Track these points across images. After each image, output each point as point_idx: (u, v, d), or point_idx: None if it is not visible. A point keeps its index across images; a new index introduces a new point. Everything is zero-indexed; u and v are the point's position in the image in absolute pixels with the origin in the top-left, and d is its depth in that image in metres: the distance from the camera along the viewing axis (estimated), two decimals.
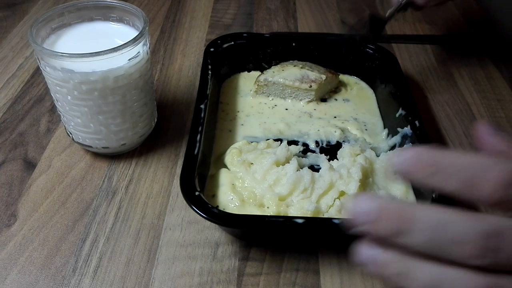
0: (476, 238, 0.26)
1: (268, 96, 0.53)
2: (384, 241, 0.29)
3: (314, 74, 0.51)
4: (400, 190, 0.41)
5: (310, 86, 0.51)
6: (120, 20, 0.44)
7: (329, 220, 0.35)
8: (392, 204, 0.28)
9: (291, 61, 0.54)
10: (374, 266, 0.29)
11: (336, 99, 0.54)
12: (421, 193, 0.41)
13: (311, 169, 0.41)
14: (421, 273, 0.28)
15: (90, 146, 0.44)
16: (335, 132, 0.48)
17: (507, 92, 0.58)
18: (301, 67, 0.52)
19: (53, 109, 0.52)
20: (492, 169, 0.27)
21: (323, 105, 0.53)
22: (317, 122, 0.50)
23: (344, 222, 0.29)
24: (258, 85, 0.52)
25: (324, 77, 0.51)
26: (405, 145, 0.44)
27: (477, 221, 0.27)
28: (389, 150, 0.46)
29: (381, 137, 0.48)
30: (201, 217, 0.34)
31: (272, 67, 0.54)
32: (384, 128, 0.49)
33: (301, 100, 0.52)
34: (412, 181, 0.29)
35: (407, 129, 0.44)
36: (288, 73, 0.51)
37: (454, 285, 0.27)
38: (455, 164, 0.28)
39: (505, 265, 0.26)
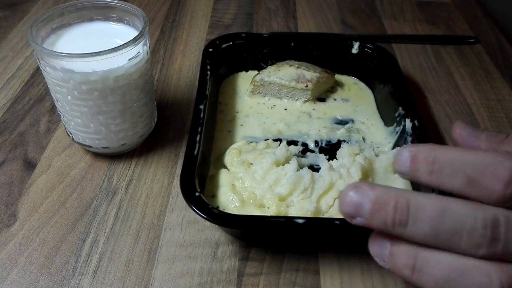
0: (476, 228, 0.25)
1: (265, 96, 0.53)
2: (389, 233, 0.27)
3: (310, 74, 0.51)
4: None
5: (306, 86, 0.51)
6: (120, 20, 0.44)
7: (330, 220, 0.35)
8: (386, 194, 0.26)
9: (287, 61, 0.54)
10: (382, 261, 0.28)
11: (335, 99, 0.54)
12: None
13: (311, 169, 0.41)
14: (436, 265, 0.26)
15: (90, 146, 0.44)
16: (339, 130, 0.48)
17: (507, 92, 0.58)
18: (297, 67, 0.52)
19: (53, 109, 0.52)
20: (500, 165, 0.25)
21: (322, 105, 0.53)
22: (317, 122, 0.50)
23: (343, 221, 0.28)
24: (254, 85, 0.52)
25: (319, 76, 0.51)
26: (404, 145, 0.44)
27: (475, 210, 0.25)
28: (389, 150, 0.46)
29: (381, 137, 0.48)
30: (201, 217, 0.34)
31: (268, 67, 0.54)
32: (384, 128, 0.49)
33: (297, 100, 0.52)
34: (414, 180, 0.28)
35: (407, 129, 0.44)
36: (284, 73, 0.51)
37: (473, 277, 0.25)
38: (457, 160, 0.26)
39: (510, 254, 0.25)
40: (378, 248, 0.28)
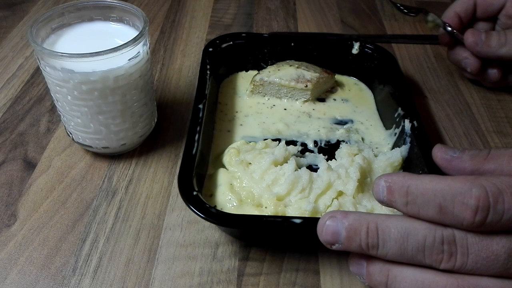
0: (435, 245, 0.27)
1: (264, 96, 0.53)
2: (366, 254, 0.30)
3: (310, 74, 0.51)
4: None
5: (306, 86, 0.51)
6: (120, 20, 0.44)
7: None
8: (357, 221, 0.29)
9: (287, 60, 0.54)
10: (362, 279, 0.31)
11: (334, 99, 0.54)
12: None
13: (309, 169, 0.41)
14: (403, 281, 0.28)
15: (90, 146, 0.44)
16: (338, 130, 0.48)
17: (507, 92, 0.58)
18: (297, 67, 0.52)
19: (53, 109, 0.53)
20: (468, 193, 0.26)
21: (321, 105, 0.53)
22: (316, 122, 0.50)
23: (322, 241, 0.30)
24: (254, 85, 0.52)
25: (319, 76, 0.51)
26: (403, 145, 0.44)
27: (435, 229, 0.28)
28: (388, 150, 0.46)
29: (380, 138, 0.48)
30: (200, 217, 0.34)
31: (268, 67, 0.54)
32: (383, 128, 0.49)
33: (297, 99, 0.52)
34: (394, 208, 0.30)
35: (406, 129, 0.44)
36: (284, 72, 0.51)
37: None
38: (429, 190, 0.27)
39: (472, 268, 0.27)
40: (356, 268, 0.31)
